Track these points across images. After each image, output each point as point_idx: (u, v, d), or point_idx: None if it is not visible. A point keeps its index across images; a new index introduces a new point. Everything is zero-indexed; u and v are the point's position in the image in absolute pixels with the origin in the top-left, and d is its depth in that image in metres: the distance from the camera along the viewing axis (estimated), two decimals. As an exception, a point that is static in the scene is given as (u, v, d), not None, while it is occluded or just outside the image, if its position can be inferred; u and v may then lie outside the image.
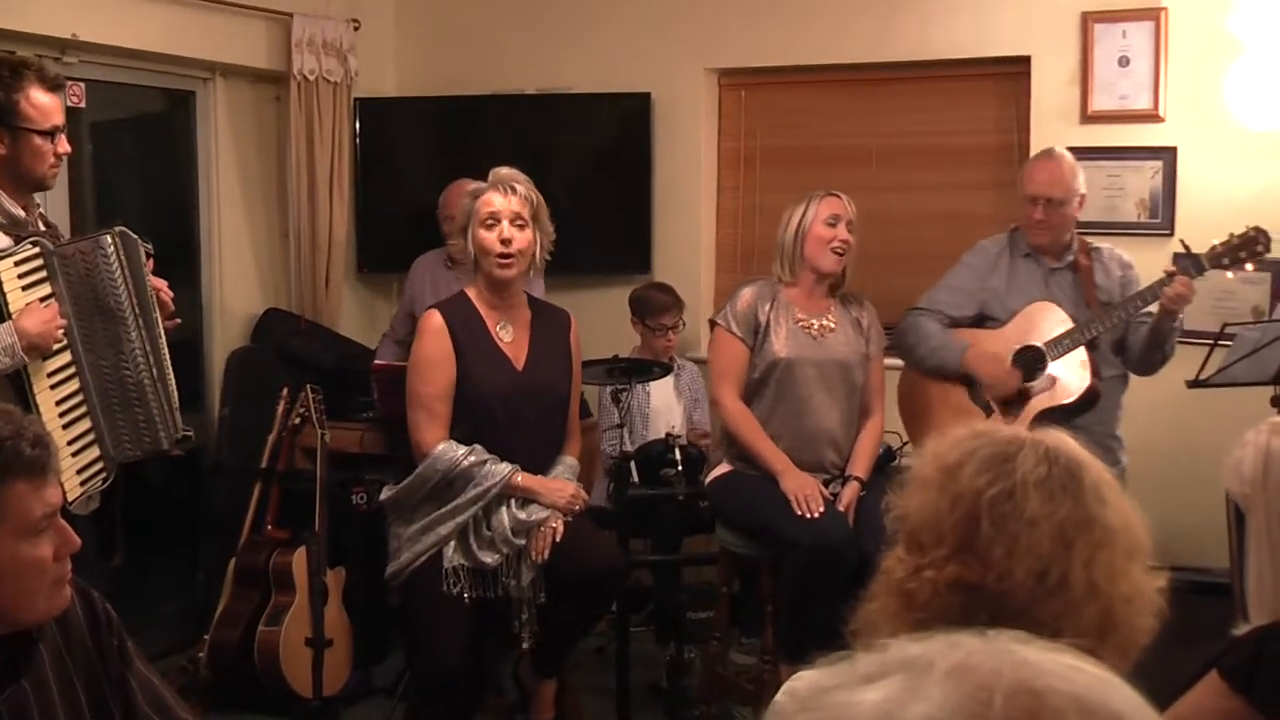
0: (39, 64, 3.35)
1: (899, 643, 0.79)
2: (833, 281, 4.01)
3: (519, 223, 3.63)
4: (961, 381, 4.07)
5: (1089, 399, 3.90)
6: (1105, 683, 0.75)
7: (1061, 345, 3.91)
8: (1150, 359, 3.99)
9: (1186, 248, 3.85)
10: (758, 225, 5.63)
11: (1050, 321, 3.95)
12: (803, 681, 0.77)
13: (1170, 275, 3.80)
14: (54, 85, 3.30)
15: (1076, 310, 3.97)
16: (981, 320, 4.13)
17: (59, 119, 3.30)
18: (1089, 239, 4.19)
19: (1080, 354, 3.91)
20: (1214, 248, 3.81)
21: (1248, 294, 4.60)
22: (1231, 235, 3.81)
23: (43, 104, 3.25)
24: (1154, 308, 3.87)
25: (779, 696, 0.78)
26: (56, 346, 3.16)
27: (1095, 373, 3.92)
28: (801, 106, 5.64)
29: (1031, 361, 3.95)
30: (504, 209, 3.63)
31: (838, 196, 3.97)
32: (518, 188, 3.66)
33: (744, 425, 3.91)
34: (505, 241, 3.60)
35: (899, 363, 4.26)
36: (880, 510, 3.81)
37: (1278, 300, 4.58)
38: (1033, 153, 5.06)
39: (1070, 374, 3.91)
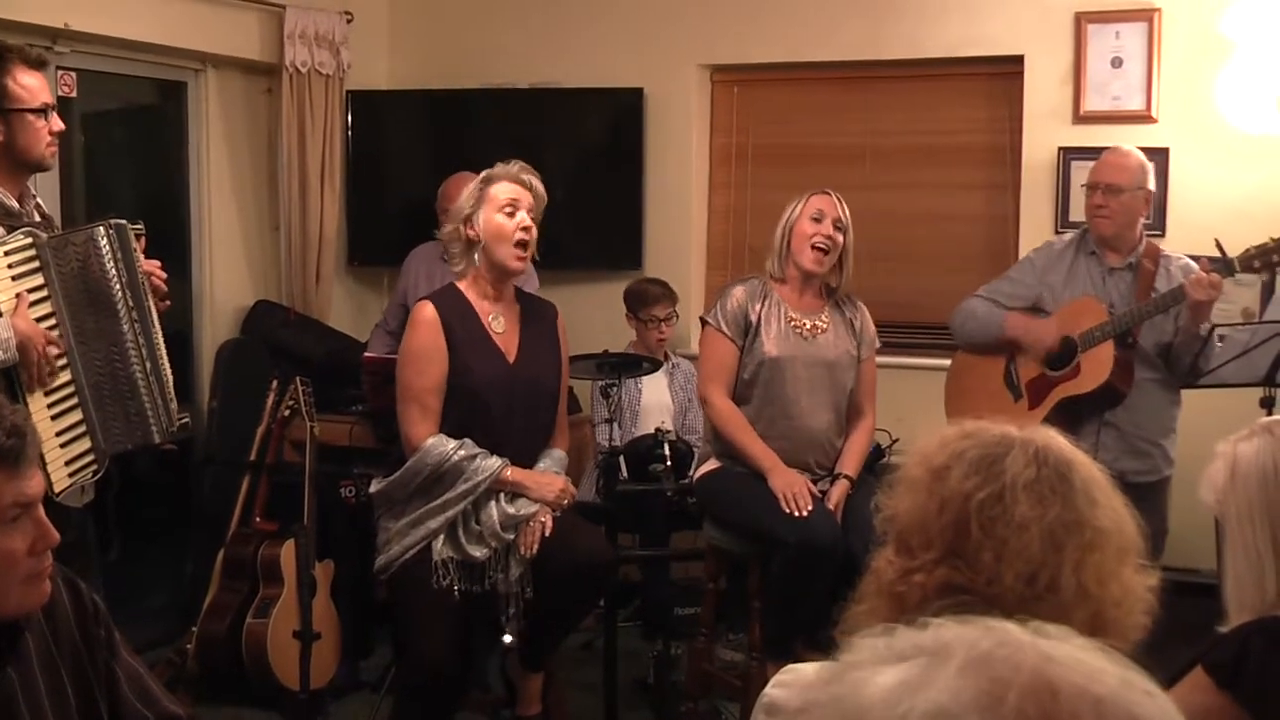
0: (19, 47, 3.34)
1: (936, 624, 0.77)
2: (826, 283, 4.00)
3: (531, 215, 3.62)
4: (1004, 355, 4.12)
5: (1105, 393, 3.91)
6: (1130, 686, 0.73)
7: (1092, 337, 3.93)
8: (1181, 363, 3.97)
9: (1221, 248, 3.84)
10: (749, 222, 5.63)
11: (1092, 316, 3.96)
12: (792, 674, 0.77)
13: None
14: (37, 64, 3.31)
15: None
16: (1034, 312, 4.14)
17: (48, 97, 3.31)
18: (1159, 244, 4.18)
19: (1109, 349, 3.92)
20: (1247, 251, 3.80)
21: (1238, 296, 4.60)
22: (1270, 239, 3.78)
23: (29, 84, 3.25)
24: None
25: (768, 689, 0.78)
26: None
27: (1126, 370, 3.92)
28: (794, 104, 5.64)
29: (1065, 351, 3.98)
30: (524, 199, 3.62)
31: (827, 194, 3.95)
32: (535, 183, 3.66)
33: (732, 424, 3.90)
34: (525, 230, 3.59)
35: (891, 361, 4.26)
36: (869, 509, 3.81)
37: (1267, 302, 4.59)
38: (1025, 152, 5.10)
39: (1095, 366, 3.93)
